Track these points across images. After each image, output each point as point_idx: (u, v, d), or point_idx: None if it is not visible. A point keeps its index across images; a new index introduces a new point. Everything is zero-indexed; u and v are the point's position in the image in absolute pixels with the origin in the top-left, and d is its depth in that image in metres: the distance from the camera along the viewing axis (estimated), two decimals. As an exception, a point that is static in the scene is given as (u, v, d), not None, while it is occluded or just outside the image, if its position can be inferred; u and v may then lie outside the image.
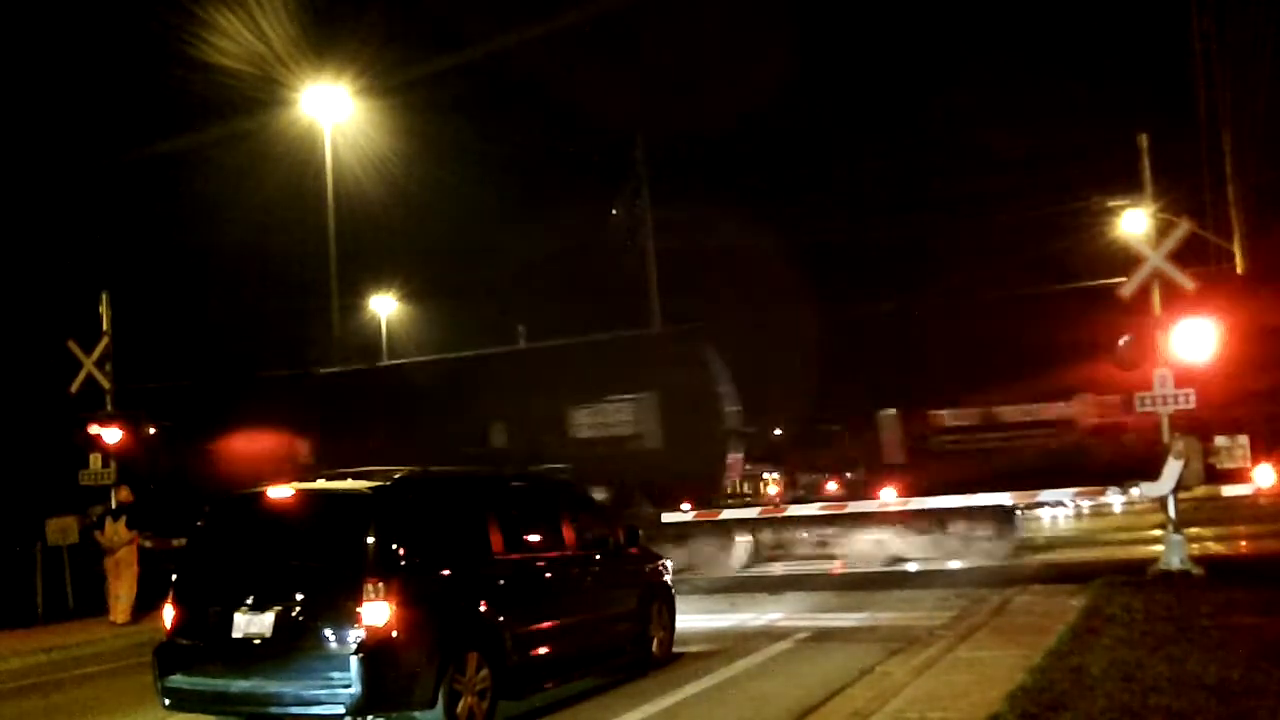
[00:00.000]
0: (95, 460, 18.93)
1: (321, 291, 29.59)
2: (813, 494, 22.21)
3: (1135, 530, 26.44)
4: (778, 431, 22.16)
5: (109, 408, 19.18)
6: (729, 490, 22.69)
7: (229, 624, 8.35)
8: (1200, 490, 18.08)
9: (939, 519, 19.54)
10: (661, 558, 12.26)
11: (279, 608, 8.22)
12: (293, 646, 8.16)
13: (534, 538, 10.19)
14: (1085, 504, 32.05)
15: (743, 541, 20.88)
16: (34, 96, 33.97)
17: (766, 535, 21.04)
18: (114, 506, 17.67)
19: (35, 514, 18.68)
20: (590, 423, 20.81)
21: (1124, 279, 16.36)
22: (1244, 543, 22.59)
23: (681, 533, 20.55)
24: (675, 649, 11.75)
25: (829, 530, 20.54)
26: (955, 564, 19.56)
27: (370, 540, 8.27)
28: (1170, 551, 15.43)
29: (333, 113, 29.10)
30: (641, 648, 11.20)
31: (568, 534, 10.52)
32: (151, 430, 19.85)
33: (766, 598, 16.78)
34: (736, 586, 18.48)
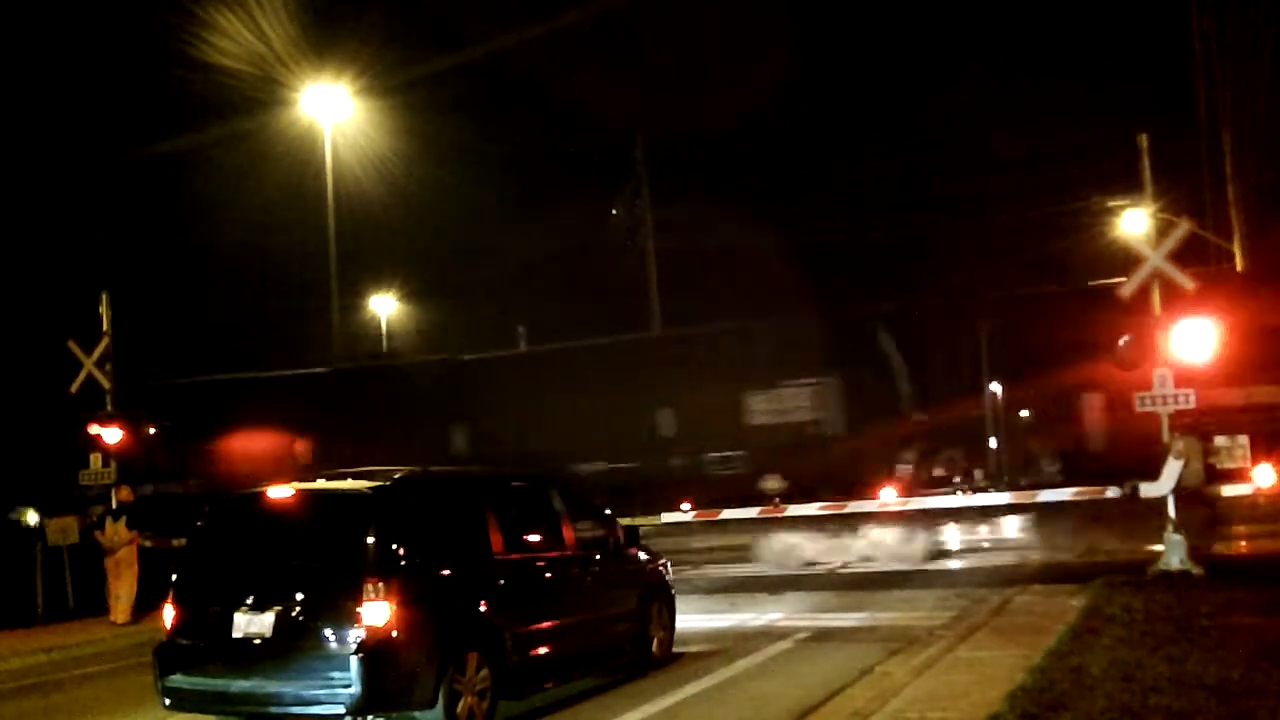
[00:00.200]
0: (95, 460, 18.93)
1: (321, 291, 29.65)
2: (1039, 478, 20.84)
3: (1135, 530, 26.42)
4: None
5: (109, 408, 19.19)
6: (933, 477, 21.38)
7: (229, 624, 8.34)
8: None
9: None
10: (661, 557, 12.26)
11: (279, 608, 8.22)
12: (293, 646, 8.16)
13: (534, 537, 10.18)
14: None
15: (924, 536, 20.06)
16: (34, 96, 33.99)
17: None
18: (114, 506, 17.67)
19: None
20: (766, 409, 20.03)
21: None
22: (1244, 543, 22.60)
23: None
24: (675, 649, 11.74)
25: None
26: (955, 564, 19.57)
27: (370, 540, 8.27)
28: (1170, 551, 15.43)
29: (333, 113, 29.13)
30: (641, 648, 11.19)
31: (568, 534, 10.52)
32: (151, 430, 19.85)
33: (766, 598, 16.77)
34: (736, 586, 18.47)
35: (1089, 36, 43.15)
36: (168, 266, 33.64)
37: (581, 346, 26.14)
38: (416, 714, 8.24)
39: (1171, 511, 15.74)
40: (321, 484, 9.44)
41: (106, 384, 19.24)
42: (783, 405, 19.98)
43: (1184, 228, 16.51)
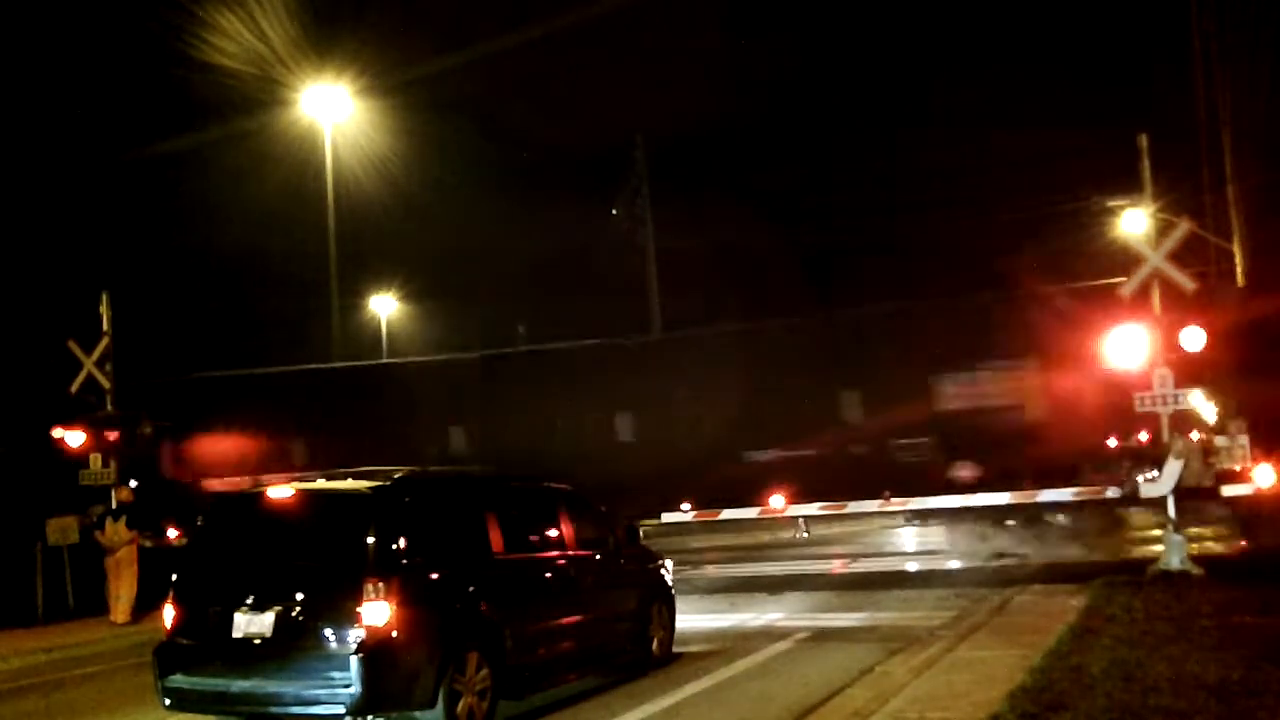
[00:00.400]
0: (95, 460, 18.94)
1: (321, 291, 29.63)
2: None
3: (1135, 530, 26.42)
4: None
5: (109, 408, 19.19)
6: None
7: (229, 624, 8.34)
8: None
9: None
10: (661, 557, 12.26)
11: (279, 607, 8.22)
12: (293, 646, 8.15)
13: (534, 537, 10.19)
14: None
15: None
16: (34, 96, 33.96)
17: None
18: (114, 506, 17.67)
19: (35, 514, 18.67)
20: (960, 393, 19.11)
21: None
22: (1244, 542, 22.59)
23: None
24: (675, 649, 11.75)
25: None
26: (955, 564, 19.57)
27: (370, 540, 8.27)
28: (1170, 551, 15.44)
29: (333, 113, 29.12)
30: (641, 648, 11.19)
31: (568, 534, 10.52)
32: (148, 430, 19.83)
33: (766, 598, 16.78)
34: (736, 586, 18.47)
35: (1089, 37, 43.20)
36: (168, 266, 33.62)
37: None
38: (416, 714, 8.24)
39: (1172, 511, 15.74)
40: (321, 484, 9.44)
41: (106, 384, 19.25)
42: (978, 390, 18.99)
43: (1184, 228, 16.53)
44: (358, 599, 8.00)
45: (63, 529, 18.22)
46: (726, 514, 20.63)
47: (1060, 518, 19.06)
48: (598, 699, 9.88)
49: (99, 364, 19.30)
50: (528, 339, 31.56)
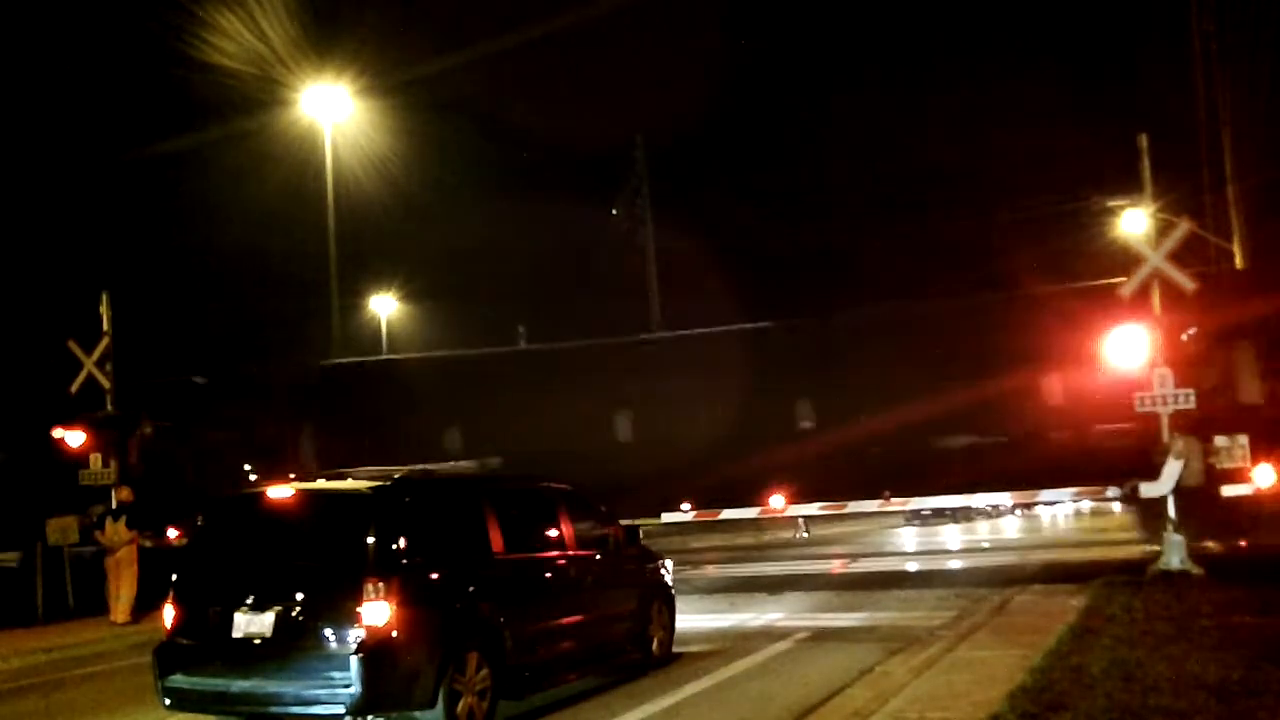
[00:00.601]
0: (95, 460, 18.94)
1: (321, 291, 29.62)
2: None
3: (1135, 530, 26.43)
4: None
5: (109, 407, 19.20)
6: None
7: (229, 624, 8.34)
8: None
9: None
10: (661, 557, 12.27)
11: (279, 608, 8.22)
12: (293, 646, 8.15)
13: (534, 538, 10.19)
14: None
15: None
16: (34, 96, 33.95)
17: None
18: (114, 506, 17.67)
19: (35, 514, 18.68)
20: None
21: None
22: (1244, 542, 22.59)
23: None
24: (675, 649, 11.75)
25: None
26: (955, 564, 19.58)
27: (370, 540, 8.27)
28: (1170, 551, 15.44)
29: (333, 113, 29.11)
30: (641, 648, 11.20)
31: (568, 534, 10.52)
32: (148, 430, 19.84)
33: (766, 598, 16.79)
34: (736, 586, 18.49)
35: (1089, 37, 43.19)
36: (168, 266, 33.62)
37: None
38: (416, 714, 8.24)
39: (1172, 511, 15.75)
40: (321, 484, 9.44)
41: (106, 384, 19.26)
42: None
43: (1184, 228, 16.53)
44: (358, 599, 8.00)
45: (63, 529, 18.23)
46: (726, 514, 20.60)
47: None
48: (598, 699, 9.88)
49: (99, 364, 19.31)
50: (528, 339, 31.55)
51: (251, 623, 8.29)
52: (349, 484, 9.13)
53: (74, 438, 18.61)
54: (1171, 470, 15.66)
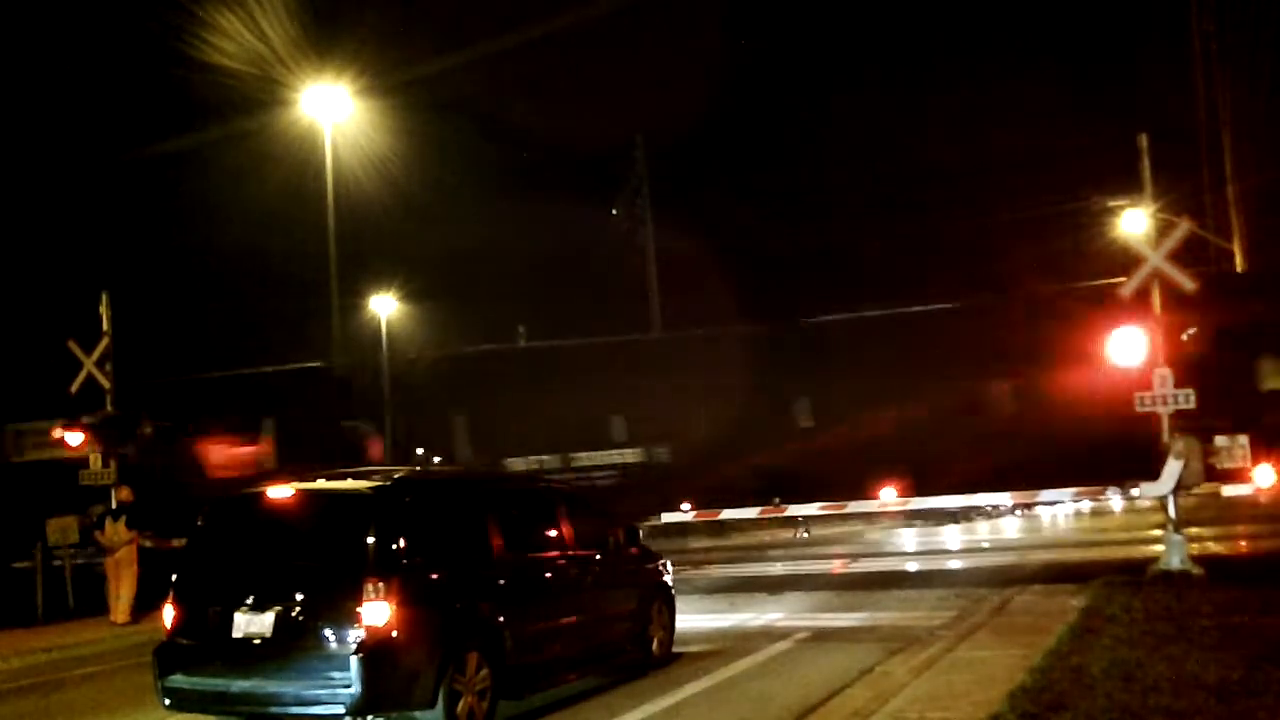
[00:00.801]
0: (95, 460, 18.94)
1: (321, 291, 29.60)
2: None
3: (1135, 530, 26.45)
4: None
5: (109, 407, 19.19)
6: None
7: (229, 624, 8.33)
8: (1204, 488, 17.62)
9: None
10: (661, 557, 12.26)
11: (279, 607, 8.22)
12: (293, 646, 8.15)
13: (534, 538, 10.18)
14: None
15: None
16: (34, 96, 33.97)
17: None
18: (114, 506, 17.67)
19: (35, 514, 18.69)
20: None
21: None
22: (1244, 542, 22.60)
23: None
24: (675, 649, 11.74)
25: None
26: (955, 564, 19.57)
27: (370, 540, 8.26)
28: (1170, 551, 15.44)
29: (333, 113, 29.08)
30: (641, 648, 11.19)
31: (568, 534, 10.51)
32: (148, 430, 19.83)
33: (766, 598, 16.78)
34: (736, 586, 18.48)
35: (1089, 37, 43.19)
36: (168, 266, 33.64)
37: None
38: (416, 714, 8.23)
39: (1172, 511, 15.74)
40: (321, 484, 9.43)
41: (106, 384, 19.26)
42: None
43: (1184, 228, 16.52)
44: (358, 599, 7.99)
45: (63, 529, 18.23)
46: (726, 514, 20.58)
47: None
48: (598, 699, 9.87)
49: (99, 364, 19.30)
50: (527, 339, 31.56)
51: (251, 623, 8.28)
52: (349, 484, 9.12)
53: (74, 438, 18.61)
54: (1171, 470, 15.65)
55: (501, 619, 9.03)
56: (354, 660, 7.88)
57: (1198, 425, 16.01)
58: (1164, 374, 15.74)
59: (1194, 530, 19.43)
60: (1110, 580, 14.50)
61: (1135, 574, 15.17)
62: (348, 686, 7.88)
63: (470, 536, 9.30)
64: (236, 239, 33.21)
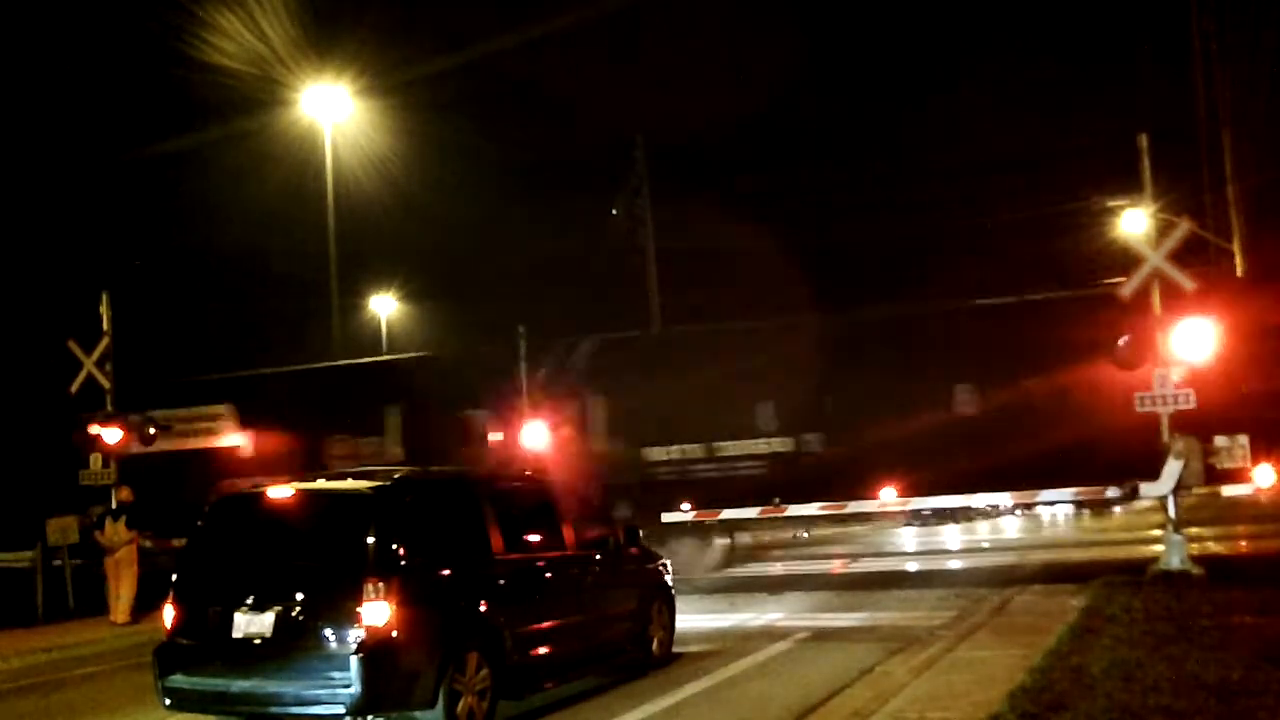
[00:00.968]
0: (95, 460, 18.94)
1: (321, 291, 29.61)
2: None
3: (1135, 530, 26.46)
4: None
5: (109, 408, 19.20)
6: None
7: (229, 624, 8.34)
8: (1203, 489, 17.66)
9: None
10: (661, 558, 12.26)
11: (279, 607, 8.22)
12: (293, 646, 8.15)
13: (534, 538, 10.18)
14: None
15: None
16: (34, 96, 33.97)
17: None
18: (114, 506, 17.67)
19: (35, 514, 18.68)
20: None
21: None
22: (1244, 543, 22.60)
23: None
24: (675, 649, 11.74)
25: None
26: (955, 564, 19.57)
27: (370, 540, 8.27)
28: (1170, 551, 15.43)
29: (333, 113, 29.09)
30: (641, 648, 11.19)
31: (568, 534, 10.51)
32: (151, 430, 19.82)
33: (766, 598, 16.79)
34: (736, 586, 18.48)
35: (1089, 37, 43.19)
36: (168, 266, 33.63)
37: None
38: (416, 714, 8.24)
39: (1172, 511, 15.73)
40: (322, 484, 9.44)
41: (106, 384, 19.26)
42: None
43: (1184, 228, 16.51)
44: (358, 599, 8.00)
45: (63, 529, 18.22)
46: (726, 514, 20.57)
47: None
48: (598, 699, 9.88)
49: (99, 364, 19.32)
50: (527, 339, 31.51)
51: (251, 623, 8.28)
52: (349, 484, 9.13)
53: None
54: (1171, 470, 15.65)
55: (502, 619, 9.04)
56: (354, 660, 7.89)
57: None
58: (1164, 374, 15.73)
59: (1194, 530, 19.42)
60: (1110, 580, 14.50)
61: (1135, 574, 15.17)
62: (348, 686, 7.88)
63: (470, 536, 9.31)
64: (236, 239, 33.20)
